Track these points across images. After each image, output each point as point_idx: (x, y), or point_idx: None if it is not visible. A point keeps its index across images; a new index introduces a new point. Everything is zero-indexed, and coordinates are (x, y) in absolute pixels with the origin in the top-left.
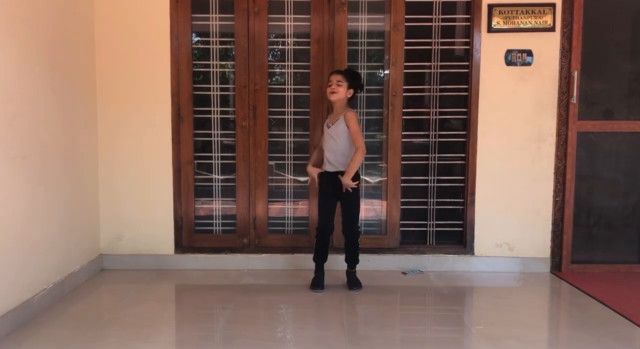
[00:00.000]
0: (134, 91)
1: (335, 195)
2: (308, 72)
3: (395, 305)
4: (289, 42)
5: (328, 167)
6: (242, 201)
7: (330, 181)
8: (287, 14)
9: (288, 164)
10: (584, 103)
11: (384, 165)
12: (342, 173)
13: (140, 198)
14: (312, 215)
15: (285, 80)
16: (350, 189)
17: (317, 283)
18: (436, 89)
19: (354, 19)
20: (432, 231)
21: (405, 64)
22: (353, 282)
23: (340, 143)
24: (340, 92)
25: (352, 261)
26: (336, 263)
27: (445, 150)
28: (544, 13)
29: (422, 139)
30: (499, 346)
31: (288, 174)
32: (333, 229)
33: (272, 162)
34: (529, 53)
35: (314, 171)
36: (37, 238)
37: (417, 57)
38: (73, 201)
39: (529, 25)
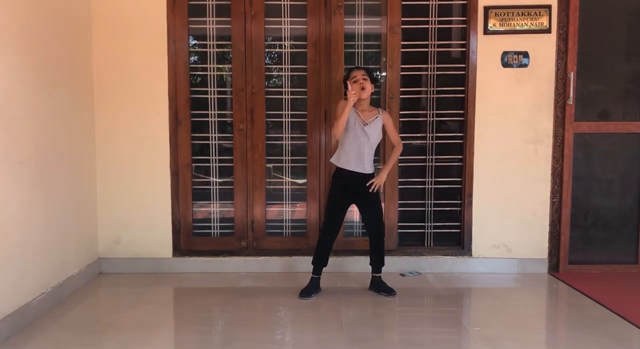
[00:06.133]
0: (132, 94)
1: (355, 199)
2: (305, 75)
3: (394, 307)
4: (286, 45)
5: (361, 169)
6: (240, 204)
7: (356, 183)
8: (284, 17)
9: (286, 166)
10: (580, 104)
11: (381, 167)
12: (371, 175)
13: (138, 201)
14: (310, 217)
15: (282, 83)
16: (376, 188)
17: (310, 290)
18: (433, 91)
19: (350, 21)
20: (430, 232)
21: (402, 66)
22: (388, 287)
23: (373, 141)
24: (368, 87)
25: (381, 265)
26: (333, 265)
27: (443, 152)
28: (539, 15)
29: (419, 141)
30: (497, 347)
31: (286, 176)
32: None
33: (269, 165)
34: (525, 55)
35: (350, 94)
36: (35, 242)
37: (413, 60)
38: (71, 205)
39: (525, 27)
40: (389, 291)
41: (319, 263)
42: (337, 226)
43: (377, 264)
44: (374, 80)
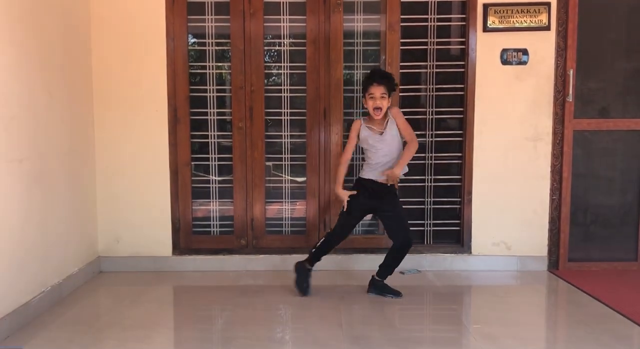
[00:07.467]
0: (131, 92)
1: (376, 204)
2: (304, 73)
3: (394, 305)
4: (285, 43)
5: (378, 176)
6: (240, 202)
7: (376, 193)
8: (283, 15)
9: (285, 164)
10: (579, 101)
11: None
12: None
13: (138, 200)
14: (310, 215)
15: (281, 81)
16: (395, 182)
17: (306, 287)
18: (432, 88)
19: (349, 19)
20: (430, 230)
21: (401, 64)
22: (394, 290)
23: (394, 146)
24: (384, 107)
25: (390, 273)
26: (333, 263)
27: (442, 149)
28: (539, 12)
29: (418, 139)
30: (496, 345)
31: (285, 174)
32: None
33: (269, 163)
34: (525, 52)
35: (345, 194)
36: (35, 241)
37: (413, 57)
38: (70, 204)
39: (524, 24)
40: (395, 293)
41: (317, 259)
42: (348, 230)
43: (388, 270)
44: (393, 90)
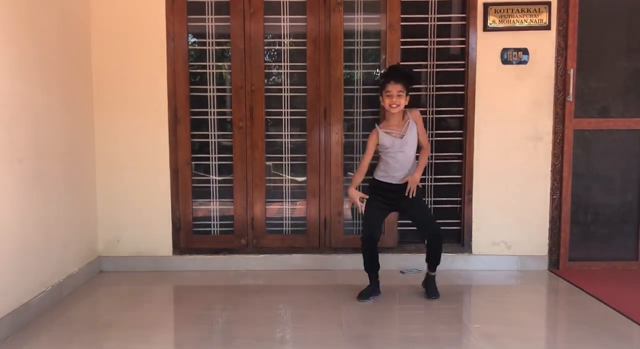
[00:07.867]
0: (131, 92)
1: (395, 206)
2: (304, 73)
3: (394, 304)
4: (285, 42)
5: (396, 179)
6: (240, 202)
7: (394, 193)
8: (283, 14)
9: (285, 164)
10: (580, 101)
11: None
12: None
13: (138, 200)
14: (310, 215)
15: (281, 80)
16: (414, 191)
17: (369, 293)
18: (432, 88)
19: (349, 18)
20: None
21: (401, 63)
22: (434, 290)
23: (412, 149)
24: (401, 104)
25: (437, 262)
26: (333, 262)
27: (442, 149)
28: (539, 11)
29: None
30: (497, 344)
31: (285, 174)
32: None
33: (269, 163)
34: (525, 51)
35: (357, 196)
36: (35, 241)
37: (413, 57)
38: (70, 204)
39: (524, 24)
40: (432, 294)
41: (371, 270)
42: (376, 231)
43: (432, 263)
44: (411, 88)
